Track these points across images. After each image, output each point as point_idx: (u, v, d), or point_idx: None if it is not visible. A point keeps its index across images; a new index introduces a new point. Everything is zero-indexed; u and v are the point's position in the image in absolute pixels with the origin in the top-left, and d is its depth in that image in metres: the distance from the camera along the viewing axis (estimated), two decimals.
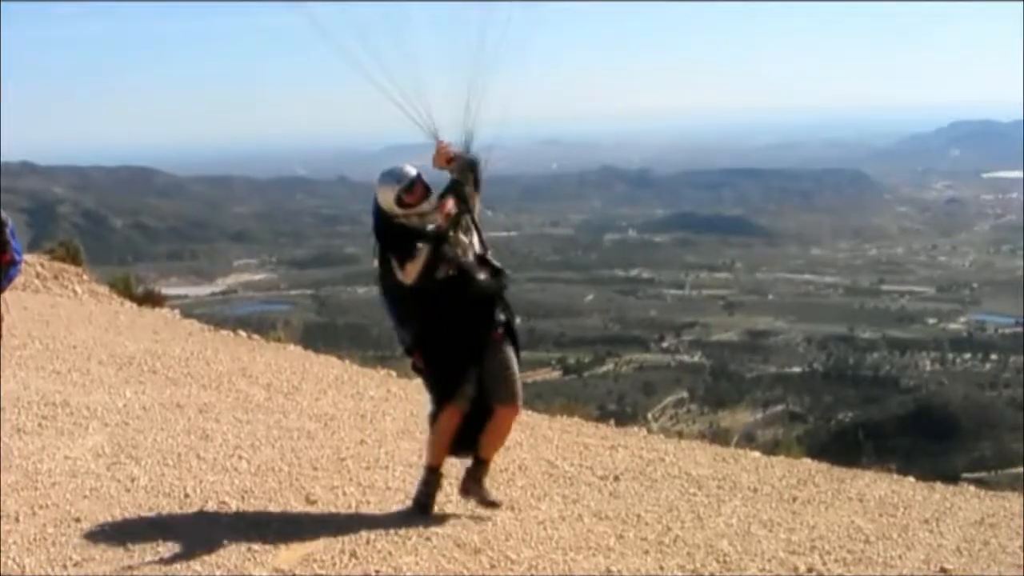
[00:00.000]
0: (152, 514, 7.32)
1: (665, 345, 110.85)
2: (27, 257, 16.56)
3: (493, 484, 8.21)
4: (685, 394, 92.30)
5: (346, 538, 7.02)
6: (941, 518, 8.72)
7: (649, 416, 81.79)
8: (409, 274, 7.20)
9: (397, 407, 11.37)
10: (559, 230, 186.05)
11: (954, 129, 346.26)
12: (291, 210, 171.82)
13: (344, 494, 7.96)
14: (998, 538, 8.33)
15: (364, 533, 7.13)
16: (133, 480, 8.04)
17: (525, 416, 12.05)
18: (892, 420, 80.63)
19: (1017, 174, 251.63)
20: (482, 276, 7.42)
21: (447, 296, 7.32)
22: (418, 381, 8.68)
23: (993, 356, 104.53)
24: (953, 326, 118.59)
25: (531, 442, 10.14)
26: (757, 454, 10.98)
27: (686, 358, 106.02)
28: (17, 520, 7.11)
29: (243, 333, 16.56)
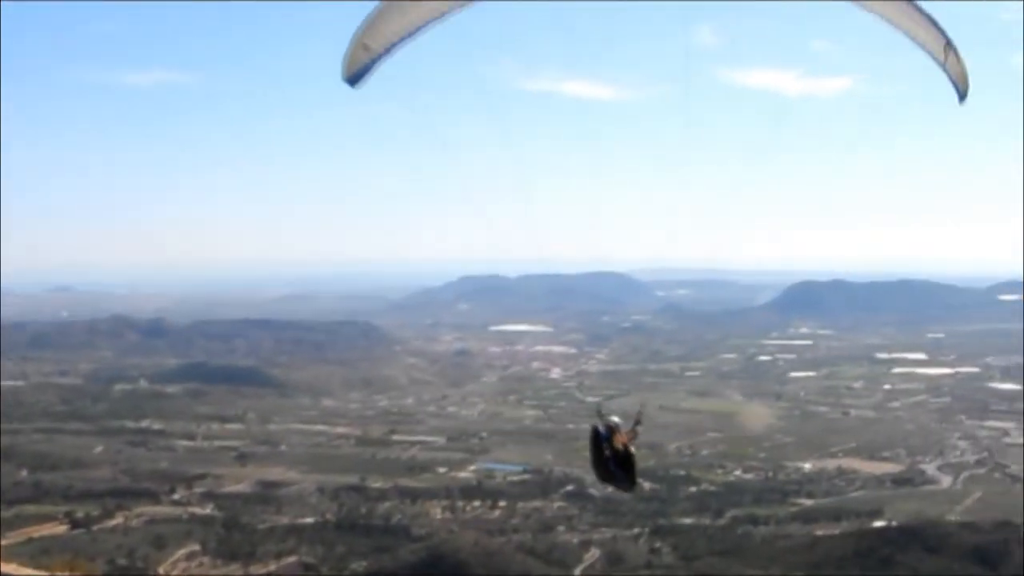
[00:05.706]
0: None
1: (176, 497, 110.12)
2: None
3: None
4: (197, 547, 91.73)
5: None
6: None
7: (161, 570, 79.98)
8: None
9: None
10: (67, 379, 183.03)
11: (463, 284, 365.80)
12: None
13: None
14: None
15: None
16: None
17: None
18: (404, 568, 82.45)
19: (522, 327, 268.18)
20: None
21: None
22: None
23: (502, 502, 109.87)
24: (463, 474, 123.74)
25: None
26: None
27: (198, 510, 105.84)
28: None
29: None
